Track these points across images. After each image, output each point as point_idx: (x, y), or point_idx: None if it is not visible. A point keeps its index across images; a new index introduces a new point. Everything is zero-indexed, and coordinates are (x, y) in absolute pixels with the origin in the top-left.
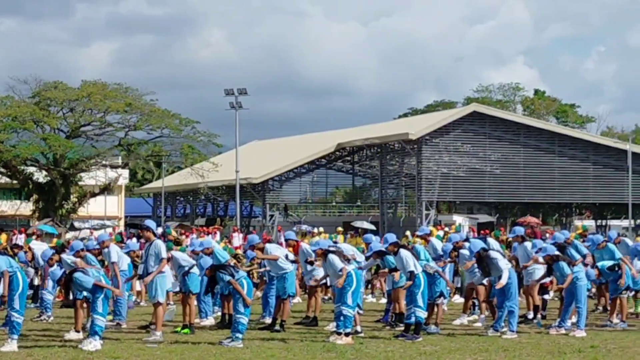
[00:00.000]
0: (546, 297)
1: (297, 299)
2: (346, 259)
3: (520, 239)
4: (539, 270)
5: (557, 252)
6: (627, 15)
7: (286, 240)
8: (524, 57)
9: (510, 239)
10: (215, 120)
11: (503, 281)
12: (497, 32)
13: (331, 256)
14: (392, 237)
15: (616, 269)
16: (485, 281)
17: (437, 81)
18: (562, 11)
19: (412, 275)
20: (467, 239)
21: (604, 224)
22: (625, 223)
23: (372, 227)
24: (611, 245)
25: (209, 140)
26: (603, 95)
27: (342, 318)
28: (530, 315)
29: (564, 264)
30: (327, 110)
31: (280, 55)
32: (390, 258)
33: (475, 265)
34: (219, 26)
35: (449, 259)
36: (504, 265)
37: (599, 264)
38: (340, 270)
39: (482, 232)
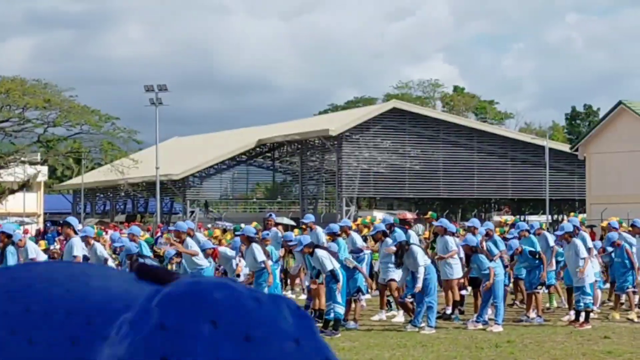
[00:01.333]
0: (464, 292)
1: None
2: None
3: (442, 231)
4: (457, 265)
5: (476, 245)
6: (546, 12)
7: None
8: (444, 54)
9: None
10: (135, 117)
11: (420, 276)
12: (417, 28)
13: (320, 252)
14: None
15: (536, 256)
16: (397, 277)
17: (357, 77)
18: (482, 8)
19: (332, 274)
20: (391, 230)
21: (522, 219)
22: (543, 219)
23: (293, 223)
24: (532, 237)
25: (128, 137)
26: (521, 92)
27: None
28: (449, 311)
29: (483, 257)
30: (248, 106)
31: (201, 51)
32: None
33: (392, 260)
34: (139, 22)
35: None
36: (422, 261)
37: (523, 247)
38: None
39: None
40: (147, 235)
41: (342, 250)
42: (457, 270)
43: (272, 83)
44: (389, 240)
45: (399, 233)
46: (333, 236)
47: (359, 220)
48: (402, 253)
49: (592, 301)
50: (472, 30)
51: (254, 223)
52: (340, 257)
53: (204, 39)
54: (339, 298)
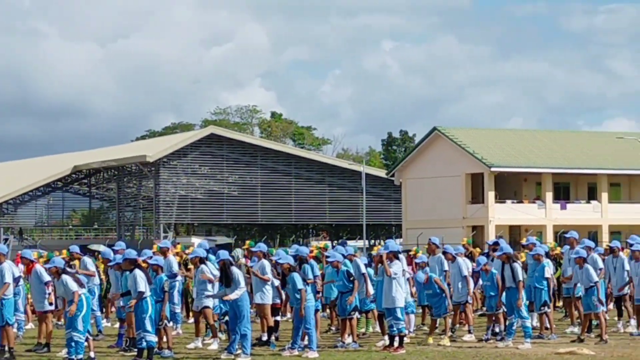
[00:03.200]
0: (278, 318)
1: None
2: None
3: (261, 255)
4: (270, 291)
5: (293, 263)
6: (362, 39)
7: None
8: (262, 80)
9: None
10: None
11: (232, 296)
12: (235, 54)
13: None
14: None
15: (351, 279)
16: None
17: (175, 103)
18: (300, 35)
19: (140, 295)
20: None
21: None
22: (360, 243)
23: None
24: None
25: None
26: (339, 118)
27: (73, 344)
28: (265, 337)
29: (297, 276)
30: (63, 132)
31: (14, 76)
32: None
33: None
34: None
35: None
36: (242, 284)
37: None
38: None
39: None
40: None
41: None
42: (270, 296)
43: (88, 109)
44: (204, 266)
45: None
46: (132, 263)
47: (178, 248)
48: (226, 272)
49: (404, 326)
50: (289, 56)
51: (64, 252)
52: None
53: (17, 64)
54: (148, 326)
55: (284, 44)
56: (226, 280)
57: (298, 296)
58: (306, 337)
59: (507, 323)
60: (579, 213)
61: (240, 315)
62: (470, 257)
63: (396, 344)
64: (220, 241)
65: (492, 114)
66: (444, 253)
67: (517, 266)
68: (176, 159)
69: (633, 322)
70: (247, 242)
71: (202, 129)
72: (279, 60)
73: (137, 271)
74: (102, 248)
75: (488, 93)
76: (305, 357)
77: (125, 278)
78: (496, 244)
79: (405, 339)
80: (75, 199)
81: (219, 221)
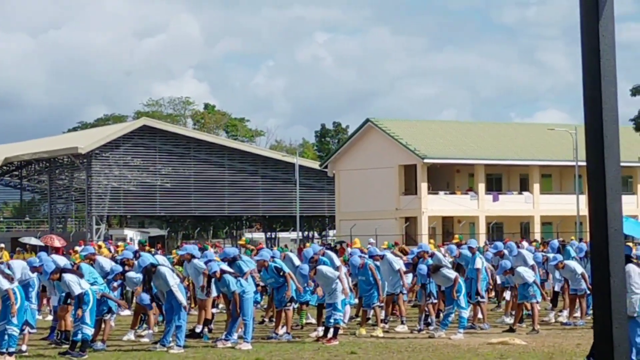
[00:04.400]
0: (214, 310)
1: None
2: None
3: (189, 257)
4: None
5: (224, 266)
6: (295, 31)
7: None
8: (195, 71)
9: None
10: None
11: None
12: (167, 46)
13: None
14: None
15: (281, 273)
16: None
17: (108, 95)
18: (233, 26)
19: (81, 296)
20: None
21: (273, 236)
22: (293, 235)
23: (41, 244)
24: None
25: None
26: (272, 110)
27: (6, 337)
28: (199, 329)
29: (230, 278)
30: None
31: None
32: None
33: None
34: None
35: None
36: (173, 281)
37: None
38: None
39: (157, 245)
40: None
41: (88, 276)
42: (212, 290)
43: (19, 100)
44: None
45: (143, 257)
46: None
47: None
48: (148, 276)
49: (342, 317)
50: (222, 48)
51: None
52: (89, 280)
53: None
54: (87, 319)
55: (217, 35)
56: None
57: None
58: (241, 329)
59: (444, 313)
60: (511, 204)
61: (177, 308)
62: (403, 253)
63: (330, 335)
64: (153, 233)
65: (425, 105)
66: (371, 256)
67: (446, 271)
68: (108, 150)
69: (565, 312)
70: (244, 238)
71: (134, 120)
72: (212, 51)
73: (65, 277)
74: (33, 241)
75: (421, 85)
76: (238, 348)
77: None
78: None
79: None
80: (6, 191)
81: (151, 213)
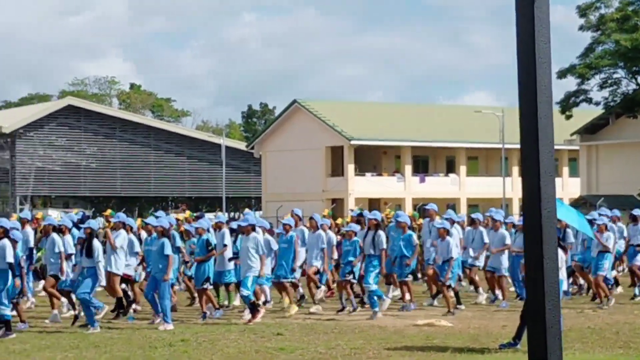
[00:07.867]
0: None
1: None
2: None
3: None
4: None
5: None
6: (222, 10)
7: None
8: (120, 51)
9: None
10: None
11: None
12: (93, 24)
13: None
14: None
15: (209, 248)
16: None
17: (31, 73)
18: (159, 5)
19: (12, 267)
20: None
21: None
22: (222, 216)
23: None
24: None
25: None
26: (198, 90)
27: None
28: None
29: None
30: None
31: None
32: None
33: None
34: None
35: None
36: (100, 258)
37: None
38: None
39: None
40: None
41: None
42: (120, 265)
43: None
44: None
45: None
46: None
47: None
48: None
49: (249, 294)
50: (149, 27)
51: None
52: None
53: None
54: (4, 299)
55: (143, 14)
56: (87, 250)
57: (161, 265)
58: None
59: (367, 292)
60: (438, 186)
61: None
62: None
63: (248, 313)
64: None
65: (353, 87)
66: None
67: (382, 234)
68: (33, 130)
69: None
70: (109, 210)
71: (59, 100)
72: (137, 30)
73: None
74: None
75: (349, 66)
76: (162, 328)
77: None
78: (360, 215)
79: (263, 309)
80: None
81: (76, 193)
